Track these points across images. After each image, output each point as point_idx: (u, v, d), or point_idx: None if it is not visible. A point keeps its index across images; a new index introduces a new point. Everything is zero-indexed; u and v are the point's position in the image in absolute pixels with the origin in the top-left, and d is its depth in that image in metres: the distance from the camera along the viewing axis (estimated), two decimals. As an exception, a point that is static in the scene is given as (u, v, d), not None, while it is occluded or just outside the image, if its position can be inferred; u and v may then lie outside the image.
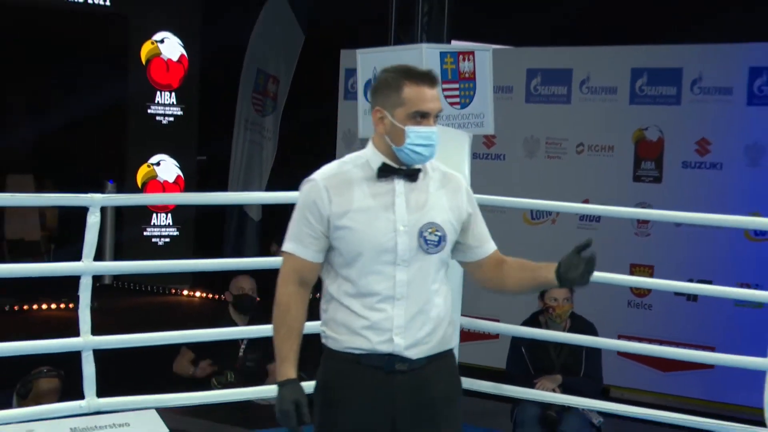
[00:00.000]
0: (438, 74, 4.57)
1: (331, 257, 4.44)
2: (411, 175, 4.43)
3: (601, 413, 8.17)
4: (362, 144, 14.07)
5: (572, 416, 8.11)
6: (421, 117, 4.39)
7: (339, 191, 4.43)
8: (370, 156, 4.46)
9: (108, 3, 17.47)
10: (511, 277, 4.57)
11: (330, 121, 14.81)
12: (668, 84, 11.93)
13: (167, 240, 18.06)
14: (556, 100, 12.77)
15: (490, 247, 4.56)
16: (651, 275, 11.51)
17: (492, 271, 4.57)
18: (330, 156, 14.63)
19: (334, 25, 16.05)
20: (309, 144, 16.48)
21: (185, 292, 16.84)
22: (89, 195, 7.17)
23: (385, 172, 4.42)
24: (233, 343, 9.84)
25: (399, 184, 4.43)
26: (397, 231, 4.37)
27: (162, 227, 18.03)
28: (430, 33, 13.48)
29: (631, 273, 11.49)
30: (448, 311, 4.51)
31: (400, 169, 4.42)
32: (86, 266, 7.10)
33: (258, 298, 10.21)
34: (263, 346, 9.86)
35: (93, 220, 7.04)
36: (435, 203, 4.43)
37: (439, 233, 4.39)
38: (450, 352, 4.52)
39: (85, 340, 7.01)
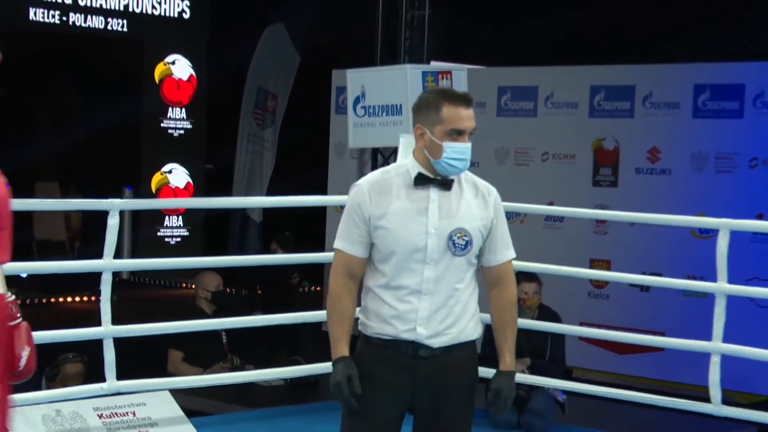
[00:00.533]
0: (472, 97, 4.57)
1: (371, 253, 4.48)
2: (445, 184, 4.45)
3: (564, 392, 8.21)
4: (352, 154, 14.12)
5: (539, 394, 8.13)
6: (458, 134, 4.41)
7: (380, 195, 4.45)
8: (410, 166, 4.49)
9: (125, 29, 17.47)
10: (491, 310, 4.62)
11: (323, 133, 14.80)
12: (623, 99, 12.00)
13: (178, 240, 18.09)
14: (523, 114, 12.82)
15: (496, 259, 4.55)
16: (608, 269, 11.57)
17: (489, 283, 4.61)
18: (323, 164, 14.77)
19: (326, 48, 16.07)
20: (304, 154, 16.49)
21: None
22: (109, 200, 7.20)
23: (421, 181, 4.45)
24: (217, 340, 9.78)
25: (433, 192, 4.44)
26: (428, 233, 4.39)
27: (174, 228, 18.05)
28: (412, 54, 13.46)
29: (591, 267, 11.56)
30: (472, 307, 4.50)
31: (434, 179, 4.45)
32: (107, 264, 7.14)
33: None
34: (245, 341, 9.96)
35: (112, 222, 7.08)
36: (466, 211, 4.43)
37: (466, 238, 4.39)
38: (471, 343, 4.52)
39: (106, 329, 7.06)
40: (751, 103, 11.30)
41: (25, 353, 4.20)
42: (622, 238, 11.79)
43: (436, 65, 10.70)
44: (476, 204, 4.48)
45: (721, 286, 7.08)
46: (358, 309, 4.54)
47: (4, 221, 4.13)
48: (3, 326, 4.09)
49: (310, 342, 12.98)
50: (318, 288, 16.14)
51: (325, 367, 8.24)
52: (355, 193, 4.52)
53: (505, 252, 4.53)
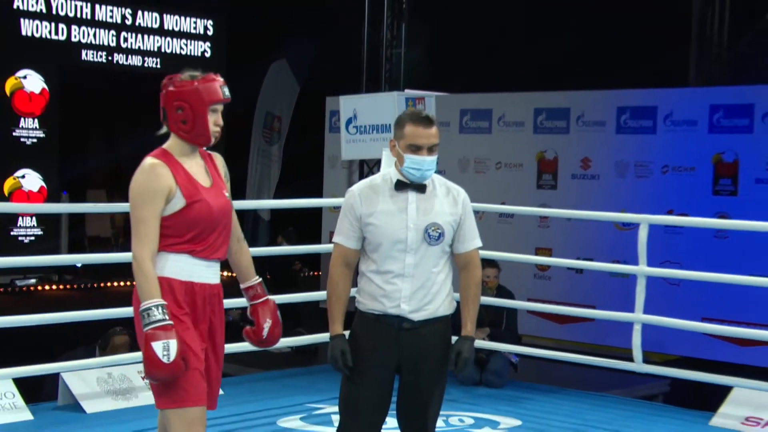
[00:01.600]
0: (431, 116, 4.55)
1: (363, 244, 4.47)
2: (419, 188, 4.44)
3: (517, 354, 8.22)
4: (343, 165, 14.08)
5: (497, 357, 8.13)
6: (416, 149, 4.40)
7: (368, 198, 4.44)
8: (393, 173, 4.48)
9: (159, 66, 17.45)
10: (460, 288, 4.60)
11: (318, 148, 14.82)
12: (560, 119, 12.04)
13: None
14: (481, 131, 12.85)
15: (464, 247, 4.53)
16: (550, 255, 11.62)
17: (459, 266, 4.59)
18: (319, 173, 14.74)
19: (320, 79, 16.05)
20: (303, 165, 16.46)
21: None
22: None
23: (400, 186, 4.45)
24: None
25: (412, 195, 4.41)
26: (408, 228, 4.36)
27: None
28: (391, 84, 13.52)
29: (536, 254, 11.59)
30: (446, 288, 4.46)
31: (411, 184, 4.45)
32: (150, 255, 7.11)
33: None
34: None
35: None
36: (439, 209, 4.40)
37: (439, 230, 4.36)
38: (445, 318, 4.46)
39: (149, 308, 7.03)
40: (662, 122, 11.37)
41: (266, 324, 4.22)
42: (560, 231, 11.83)
43: (412, 92, 10.72)
44: (447, 203, 4.45)
45: (642, 269, 7.12)
46: (354, 290, 4.53)
47: (215, 224, 4.06)
48: (215, 308, 4.09)
49: (309, 316, 12.99)
50: (316, 273, 16.12)
51: (323, 337, 8.25)
52: (349, 196, 4.51)
53: (472, 241, 4.51)
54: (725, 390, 7.41)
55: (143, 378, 7.24)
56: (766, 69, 12.25)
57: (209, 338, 4.04)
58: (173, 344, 3.77)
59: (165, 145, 4.05)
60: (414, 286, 4.38)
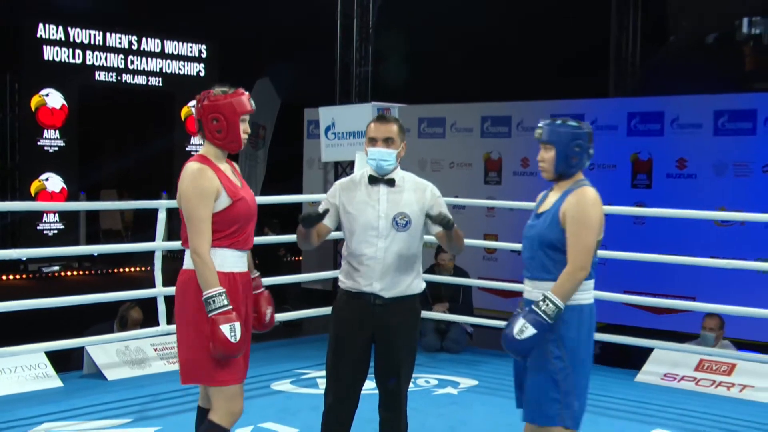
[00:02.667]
0: (390, 117, 4.49)
1: (343, 231, 4.41)
2: (389, 182, 4.39)
3: (472, 325, 8.19)
4: (319, 166, 13.99)
5: (455, 327, 8.10)
6: (373, 142, 4.37)
7: (348, 190, 4.39)
8: (367, 171, 4.44)
9: (161, 84, 17.33)
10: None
11: (297, 153, 14.77)
12: (503, 125, 12.02)
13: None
14: (436, 136, 12.83)
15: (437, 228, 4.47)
16: (496, 240, 11.57)
17: (438, 239, 4.49)
18: (298, 175, 14.65)
19: (299, 93, 15.99)
20: (285, 167, 16.39)
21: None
22: (158, 201, 7.09)
23: (372, 180, 4.39)
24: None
25: (383, 188, 4.36)
26: (379, 216, 4.32)
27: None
28: (360, 97, 13.46)
29: (484, 239, 11.53)
30: (415, 269, 4.40)
31: (380, 179, 4.39)
32: (159, 244, 7.04)
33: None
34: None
35: (161, 216, 6.98)
36: (407, 200, 4.34)
37: (406, 219, 4.31)
38: (414, 296, 4.42)
39: (159, 290, 6.95)
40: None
41: (268, 311, 4.14)
42: (505, 219, 11.80)
43: (381, 104, 10.66)
44: (415, 195, 4.39)
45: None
46: (337, 271, 4.47)
47: (251, 217, 4.00)
48: (247, 295, 4.00)
49: (292, 295, 12.94)
50: (297, 258, 16.04)
51: (306, 313, 8.22)
52: (332, 189, 4.48)
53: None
54: (644, 352, 7.43)
55: (156, 349, 7.17)
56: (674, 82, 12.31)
57: (244, 321, 3.97)
58: (237, 326, 3.77)
59: (201, 152, 3.97)
60: (384, 267, 4.32)
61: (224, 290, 3.80)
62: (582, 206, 3.90)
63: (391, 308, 4.34)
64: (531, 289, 4.05)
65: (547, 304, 3.85)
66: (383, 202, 4.35)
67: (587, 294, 3.95)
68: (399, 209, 4.33)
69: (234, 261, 3.93)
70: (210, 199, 3.83)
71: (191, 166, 3.89)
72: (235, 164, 4.14)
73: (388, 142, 4.36)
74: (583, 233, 3.88)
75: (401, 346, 4.38)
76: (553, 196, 4.05)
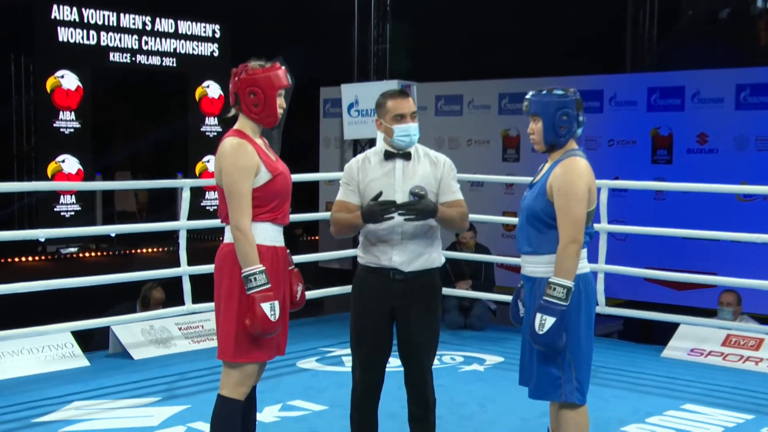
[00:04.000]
0: (408, 91, 4.44)
1: (362, 207, 4.36)
2: (404, 156, 4.33)
3: (495, 302, 8.15)
4: (335, 145, 13.97)
5: (478, 305, 8.07)
6: (401, 118, 4.30)
7: (363, 168, 4.33)
8: (381, 147, 4.38)
9: (175, 65, 17.27)
10: None
11: (314, 132, 14.73)
12: (521, 102, 11.90)
13: (216, 207, 17.87)
14: (453, 113, 12.74)
15: (446, 197, 4.38)
16: (515, 216, 11.50)
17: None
18: (313, 154, 14.64)
19: (314, 72, 15.91)
20: (301, 147, 16.34)
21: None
22: (183, 180, 7.05)
23: (388, 155, 4.33)
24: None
25: (398, 163, 4.30)
26: (395, 190, 4.27)
27: (213, 200, 17.83)
28: (377, 75, 13.40)
29: (503, 216, 11.47)
30: (433, 243, 4.33)
31: (397, 153, 4.33)
32: (183, 224, 7.00)
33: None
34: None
35: (185, 195, 6.94)
36: (423, 173, 4.29)
37: (423, 191, 4.27)
38: (434, 270, 4.35)
39: (184, 269, 6.92)
40: (608, 102, 11.32)
41: (299, 288, 4.07)
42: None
43: (403, 81, 10.56)
44: (429, 168, 4.32)
45: (605, 226, 7.02)
46: (355, 249, 4.42)
47: (289, 192, 3.96)
48: (285, 270, 3.96)
49: (310, 275, 12.92)
50: (314, 237, 16.01)
51: (327, 291, 8.19)
52: (347, 167, 4.42)
53: (455, 193, 4.37)
54: (666, 328, 7.39)
55: (180, 328, 7.15)
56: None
57: (283, 297, 3.93)
58: (276, 305, 3.75)
59: (237, 126, 3.91)
60: (403, 241, 4.26)
61: (264, 268, 3.76)
62: (568, 178, 3.85)
63: (410, 282, 4.28)
64: (522, 263, 4.05)
65: (554, 289, 3.80)
66: (399, 176, 4.29)
67: (579, 264, 3.88)
68: (415, 182, 4.27)
69: (275, 236, 3.90)
70: (251, 175, 3.79)
71: (230, 141, 3.84)
72: (266, 139, 4.08)
73: (414, 116, 4.32)
74: (572, 206, 3.83)
75: (422, 320, 4.32)
76: (545, 167, 4.01)
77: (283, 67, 3.93)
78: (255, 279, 3.73)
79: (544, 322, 3.79)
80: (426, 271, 4.33)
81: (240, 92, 3.87)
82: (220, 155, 3.84)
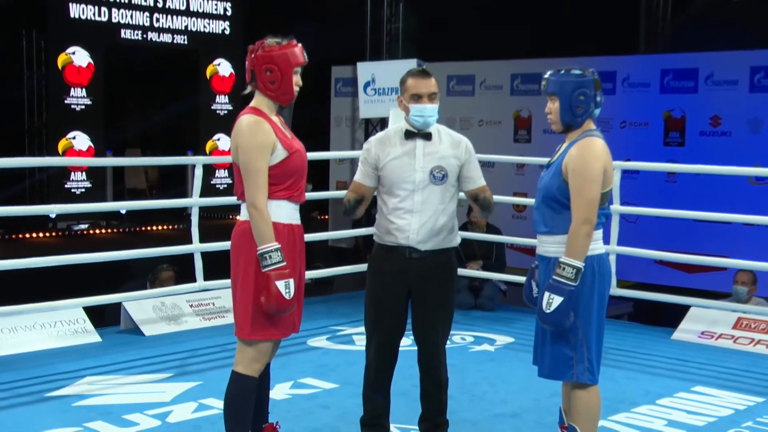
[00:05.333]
0: (428, 70, 4.41)
1: (379, 186, 4.37)
2: (425, 136, 4.32)
3: (505, 282, 8.15)
4: (347, 123, 13.97)
5: (488, 285, 8.07)
6: (418, 98, 4.29)
7: (383, 146, 4.34)
8: (402, 126, 4.37)
9: (186, 42, 17.24)
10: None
11: (325, 111, 14.71)
12: (533, 83, 11.89)
13: (226, 185, 17.91)
14: (465, 93, 12.71)
15: (472, 185, 4.40)
16: (526, 197, 11.49)
17: (471, 199, 4.45)
18: (326, 132, 14.66)
19: (325, 51, 15.86)
20: (312, 126, 16.32)
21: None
22: (196, 157, 7.05)
23: (409, 135, 4.33)
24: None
25: (419, 142, 4.31)
26: (416, 170, 4.27)
27: (224, 178, 17.87)
28: (390, 53, 13.36)
29: (514, 197, 11.45)
30: (450, 223, 4.35)
31: (418, 132, 4.32)
32: (195, 201, 7.00)
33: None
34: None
35: (198, 172, 6.94)
36: (443, 153, 4.28)
37: (443, 172, 4.26)
38: (451, 249, 4.38)
39: (196, 246, 6.94)
40: (620, 83, 11.27)
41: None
42: (534, 177, 11.58)
43: (421, 61, 10.52)
44: (451, 148, 4.33)
45: (617, 208, 7.00)
46: (365, 229, 4.45)
47: (305, 170, 3.97)
48: (302, 248, 3.99)
49: (320, 254, 12.94)
50: (324, 217, 16.03)
51: (338, 270, 8.20)
52: (366, 146, 4.43)
53: (478, 180, 4.39)
54: (676, 311, 7.39)
55: (191, 306, 7.18)
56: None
57: (300, 273, 3.94)
58: (291, 283, 3.76)
59: (253, 104, 3.91)
60: (421, 221, 4.28)
61: (279, 246, 3.76)
62: (583, 158, 3.83)
63: (427, 261, 4.30)
64: (537, 243, 4.04)
65: (563, 269, 3.80)
66: (420, 155, 4.29)
67: (593, 245, 3.88)
68: (436, 162, 4.28)
69: (291, 213, 3.90)
70: (267, 152, 3.78)
71: (247, 119, 3.83)
72: (281, 117, 4.08)
73: (432, 97, 4.30)
74: (586, 186, 3.82)
75: (437, 299, 4.35)
76: (563, 147, 4.00)
77: (300, 45, 3.92)
78: (270, 257, 3.73)
79: (552, 301, 3.80)
80: (442, 250, 4.35)
81: (256, 69, 3.86)
82: (236, 132, 3.83)
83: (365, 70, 10.64)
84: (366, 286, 4.48)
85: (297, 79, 3.91)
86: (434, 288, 4.33)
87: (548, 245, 3.96)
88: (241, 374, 3.90)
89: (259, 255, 3.75)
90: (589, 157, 3.84)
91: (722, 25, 12.99)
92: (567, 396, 4.08)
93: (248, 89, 3.95)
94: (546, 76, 4.00)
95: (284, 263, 3.76)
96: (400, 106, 4.39)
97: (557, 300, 3.79)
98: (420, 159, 4.29)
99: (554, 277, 3.82)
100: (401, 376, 4.61)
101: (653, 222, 10.26)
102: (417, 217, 4.28)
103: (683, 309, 7.23)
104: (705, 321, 7.06)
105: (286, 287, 3.74)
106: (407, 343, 4.50)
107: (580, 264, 3.79)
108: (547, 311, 3.81)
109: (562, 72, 3.96)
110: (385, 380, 4.45)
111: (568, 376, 3.94)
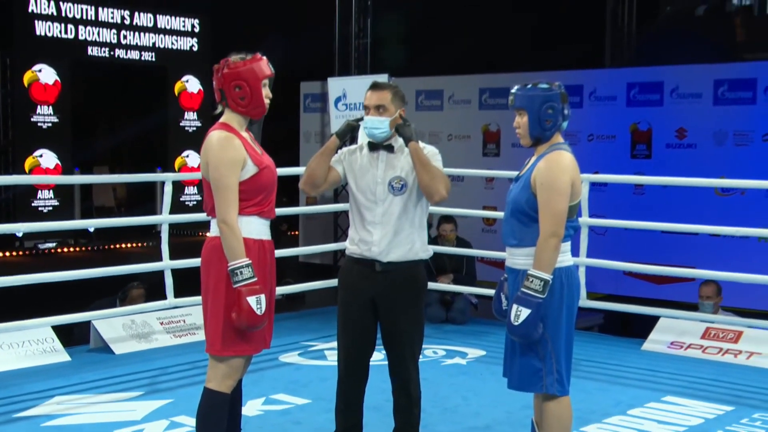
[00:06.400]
0: (386, 84, 4.41)
1: (349, 196, 4.37)
2: (387, 148, 4.33)
3: (476, 296, 8.16)
4: (316, 139, 13.95)
5: (459, 299, 8.07)
6: (366, 109, 4.32)
7: (350, 156, 4.35)
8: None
9: (154, 59, 17.21)
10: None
11: (294, 126, 14.71)
12: (501, 97, 11.94)
13: (196, 202, 17.85)
14: (434, 108, 12.75)
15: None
16: (495, 210, 11.54)
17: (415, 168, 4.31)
18: (293, 149, 14.64)
19: (293, 67, 15.89)
20: (280, 141, 16.30)
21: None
22: (165, 174, 7.02)
23: (372, 147, 4.33)
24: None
25: (382, 154, 4.31)
26: (376, 182, 4.28)
27: (193, 194, 17.83)
28: (359, 69, 13.37)
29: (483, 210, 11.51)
30: (415, 234, 4.32)
31: (379, 145, 4.33)
32: (165, 218, 6.96)
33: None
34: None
35: (168, 189, 6.90)
36: (404, 164, 4.28)
37: (402, 182, 4.25)
38: (418, 262, 4.34)
39: (166, 263, 6.89)
40: (587, 97, 11.37)
41: None
42: (504, 191, 11.61)
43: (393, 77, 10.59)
44: (411, 158, 4.33)
45: (585, 220, 7.04)
46: (337, 244, 4.45)
47: (275, 185, 3.96)
48: (272, 263, 3.98)
49: (291, 269, 12.91)
50: (294, 233, 16.00)
51: (308, 285, 8.19)
52: (338, 153, 4.39)
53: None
54: (645, 321, 7.43)
55: (161, 323, 7.13)
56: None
57: (270, 291, 3.93)
58: (263, 298, 3.76)
59: (223, 120, 3.89)
60: (383, 232, 4.27)
61: (250, 262, 3.76)
62: (551, 171, 3.85)
63: (391, 273, 4.29)
64: (507, 256, 4.06)
65: (531, 281, 3.81)
66: (381, 167, 4.30)
67: (561, 257, 3.89)
68: (395, 173, 4.27)
69: (261, 229, 3.90)
70: (238, 168, 3.77)
71: (217, 135, 3.82)
72: (251, 133, 4.07)
73: (379, 109, 4.28)
74: (553, 199, 3.83)
75: (403, 312, 4.32)
76: (531, 161, 4.02)
77: (264, 57, 3.92)
78: (241, 273, 3.73)
79: (520, 313, 3.81)
80: (408, 263, 4.33)
81: (225, 87, 3.85)
82: (206, 148, 3.82)
83: (336, 85, 10.66)
84: (338, 298, 4.48)
85: (266, 92, 3.91)
86: (400, 299, 4.31)
87: (517, 257, 3.98)
88: (213, 390, 3.88)
89: (230, 271, 3.74)
90: (557, 171, 3.87)
91: (686, 39, 13.17)
92: (538, 408, 4.09)
93: (219, 109, 3.93)
94: (513, 90, 4.02)
95: (255, 279, 3.75)
96: None
97: (525, 312, 3.80)
98: (381, 171, 4.30)
99: (522, 289, 3.83)
100: (375, 390, 4.61)
101: (622, 234, 10.34)
102: (379, 229, 4.27)
103: (652, 320, 7.28)
104: (674, 331, 7.11)
105: (257, 303, 3.73)
106: (380, 357, 4.50)
107: (547, 276, 3.81)
108: (516, 323, 3.83)
109: (529, 86, 3.99)
110: (356, 394, 4.43)
111: (537, 387, 3.96)
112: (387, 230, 4.28)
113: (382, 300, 4.31)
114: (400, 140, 4.33)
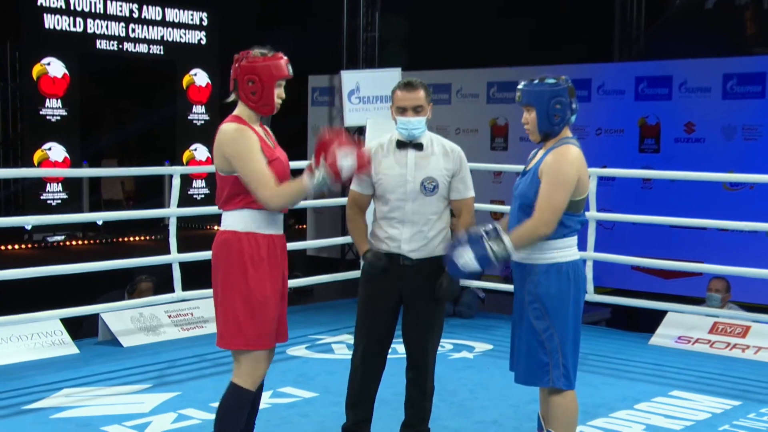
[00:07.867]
0: (417, 82, 4.40)
1: (375, 194, 4.38)
2: (416, 146, 4.34)
3: (484, 290, 8.17)
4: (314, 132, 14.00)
5: (467, 293, 8.07)
6: (402, 111, 4.31)
7: (376, 155, 4.34)
8: (395, 135, 4.38)
9: (162, 53, 17.20)
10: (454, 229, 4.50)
11: (302, 120, 14.71)
12: (509, 91, 11.93)
13: (204, 195, 17.86)
14: (441, 102, 12.72)
15: (458, 195, 4.40)
16: (503, 204, 11.53)
17: (456, 212, 4.45)
18: (303, 141, 14.67)
19: (301, 61, 15.88)
20: (289, 135, 16.32)
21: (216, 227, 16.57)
22: (173, 167, 7.03)
23: (400, 145, 4.34)
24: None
25: (411, 152, 4.31)
26: (407, 181, 4.28)
27: (201, 188, 17.83)
28: (367, 63, 13.36)
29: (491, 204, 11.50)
30: (442, 232, 4.34)
31: (408, 143, 4.33)
32: (173, 211, 6.98)
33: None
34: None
35: (175, 182, 6.91)
36: (435, 164, 4.28)
37: (434, 183, 4.26)
38: (441, 258, 4.25)
39: (174, 256, 6.91)
40: (596, 91, 11.35)
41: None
42: (511, 185, 11.61)
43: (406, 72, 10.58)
44: (443, 159, 4.33)
45: (593, 214, 7.04)
46: (343, 238, 4.45)
47: (286, 179, 3.89)
48: (284, 257, 3.96)
49: (299, 262, 12.93)
50: (302, 226, 16.01)
51: (316, 279, 8.20)
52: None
53: (466, 191, 4.40)
54: (653, 316, 7.43)
55: (170, 316, 7.15)
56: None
57: (282, 283, 3.92)
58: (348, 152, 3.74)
59: (236, 113, 3.89)
60: (413, 230, 4.30)
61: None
62: (558, 164, 3.85)
63: (418, 268, 4.31)
64: None
65: (499, 244, 3.80)
66: (411, 166, 4.31)
67: (567, 252, 3.90)
68: (427, 173, 4.29)
69: (271, 223, 3.88)
70: (257, 151, 3.75)
71: (229, 127, 3.81)
72: (267, 128, 4.07)
73: (417, 110, 4.30)
74: (555, 191, 3.82)
75: (428, 306, 4.37)
76: (539, 155, 4.02)
77: (285, 58, 3.90)
78: (315, 177, 3.71)
79: (469, 264, 3.83)
80: (434, 258, 4.35)
81: (239, 79, 3.85)
82: (220, 141, 3.81)
83: (349, 78, 10.65)
84: (358, 292, 4.48)
85: (280, 92, 3.88)
86: (424, 297, 4.35)
87: (524, 251, 3.98)
88: (237, 386, 3.87)
89: (314, 186, 3.73)
90: (564, 164, 3.86)
91: (695, 33, 13.13)
92: (545, 402, 4.10)
93: (231, 97, 3.93)
94: (520, 87, 4.01)
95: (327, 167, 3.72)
96: (392, 117, 4.41)
97: (473, 266, 3.82)
98: (411, 170, 4.31)
99: (486, 240, 3.80)
100: (384, 383, 4.61)
101: (629, 228, 10.32)
102: (408, 227, 4.31)
103: (660, 314, 7.27)
104: (682, 326, 7.10)
105: (343, 156, 3.70)
106: (392, 351, 4.50)
107: (512, 253, 3.82)
108: (462, 269, 3.85)
109: (536, 82, 3.98)
110: (371, 387, 4.47)
111: (543, 381, 3.96)
112: (417, 228, 4.31)
113: (408, 295, 4.35)
114: (429, 135, 4.36)
